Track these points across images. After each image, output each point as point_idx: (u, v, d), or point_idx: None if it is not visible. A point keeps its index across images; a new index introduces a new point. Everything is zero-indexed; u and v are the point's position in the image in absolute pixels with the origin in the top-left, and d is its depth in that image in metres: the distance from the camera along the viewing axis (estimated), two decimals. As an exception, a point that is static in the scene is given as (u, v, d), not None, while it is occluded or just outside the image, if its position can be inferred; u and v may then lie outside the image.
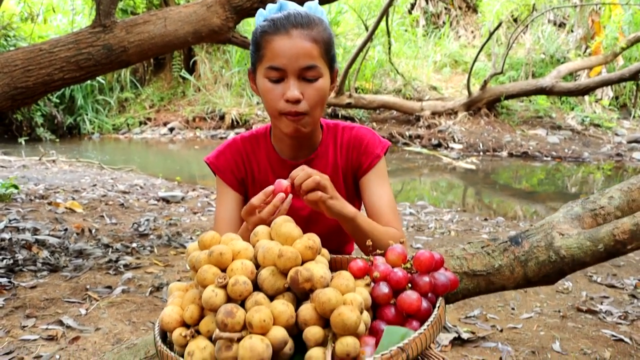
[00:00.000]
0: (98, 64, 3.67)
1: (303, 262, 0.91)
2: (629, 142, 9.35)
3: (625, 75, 9.10)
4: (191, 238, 3.68)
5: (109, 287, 2.72)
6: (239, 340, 0.79)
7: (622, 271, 3.47)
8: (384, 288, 0.92)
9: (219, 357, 0.79)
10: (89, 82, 11.14)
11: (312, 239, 0.93)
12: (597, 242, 1.24)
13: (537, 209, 5.79)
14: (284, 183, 1.16)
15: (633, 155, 8.67)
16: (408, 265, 0.98)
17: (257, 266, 0.94)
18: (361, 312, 0.85)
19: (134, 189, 5.34)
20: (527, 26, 11.27)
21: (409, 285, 0.93)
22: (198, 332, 0.88)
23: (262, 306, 0.81)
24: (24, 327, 2.26)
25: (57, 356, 2.02)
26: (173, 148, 9.97)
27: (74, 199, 4.60)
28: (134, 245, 3.39)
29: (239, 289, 0.85)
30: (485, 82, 9.84)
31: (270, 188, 1.15)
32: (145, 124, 11.60)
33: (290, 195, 1.15)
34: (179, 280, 2.85)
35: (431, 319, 0.88)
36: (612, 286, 3.19)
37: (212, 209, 4.68)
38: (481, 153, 9.31)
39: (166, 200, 4.85)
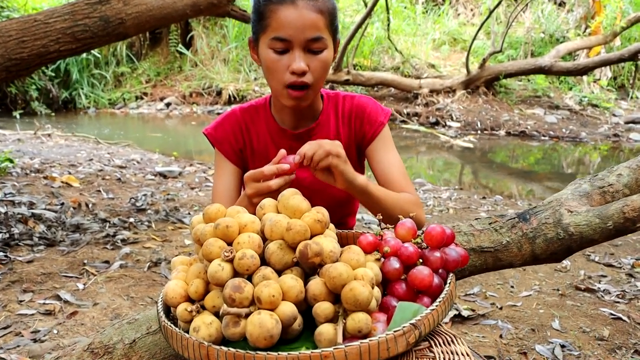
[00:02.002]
0: (95, 36, 3.60)
1: (312, 236, 0.88)
2: (626, 122, 9.33)
3: (624, 55, 9.03)
4: (189, 213, 3.66)
5: (107, 262, 2.70)
6: (247, 315, 0.77)
7: (619, 250, 3.47)
8: (394, 263, 0.89)
9: (226, 333, 0.77)
10: (84, 55, 11.00)
11: (321, 212, 0.91)
12: (607, 220, 1.22)
13: (535, 188, 5.79)
14: (293, 159, 1.13)
15: (630, 136, 8.65)
16: (418, 240, 0.96)
17: (264, 240, 0.91)
18: (372, 288, 0.82)
19: (131, 163, 5.30)
20: (527, 5, 11.13)
21: (420, 260, 0.91)
22: (203, 307, 0.86)
23: (271, 281, 0.79)
24: (21, 301, 2.24)
25: (55, 331, 2.01)
26: (169, 123, 9.88)
27: (70, 173, 4.56)
28: (132, 220, 3.36)
29: (246, 263, 0.82)
30: (484, 61, 9.75)
31: (284, 166, 1.12)
32: (142, 98, 11.49)
33: (292, 176, 1.13)
34: (177, 256, 2.84)
35: (443, 295, 0.86)
36: (610, 265, 3.19)
37: (209, 184, 4.64)
38: (479, 132, 9.27)
39: (163, 175, 4.81)
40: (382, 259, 0.92)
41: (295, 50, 1.27)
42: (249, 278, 0.85)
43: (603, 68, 10.24)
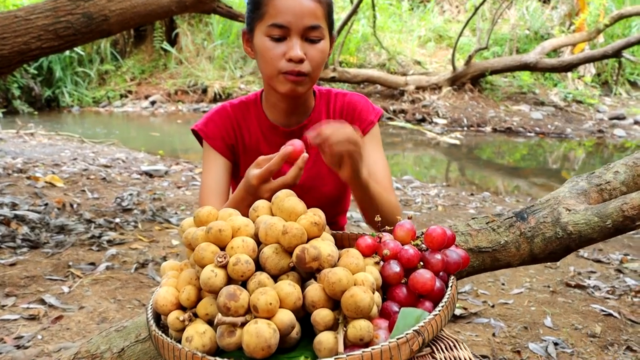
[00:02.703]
0: (78, 33, 3.53)
1: (308, 240, 0.85)
2: (610, 118, 9.40)
3: (608, 52, 9.08)
4: (176, 213, 3.60)
5: (92, 263, 2.64)
6: (242, 324, 0.73)
7: (608, 246, 3.48)
8: (395, 267, 0.86)
9: (221, 343, 0.74)
10: (67, 53, 10.84)
11: (318, 215, 0.87)
12: (605, 218, 1.20)
13: (522, 184, 5.80)
14: (299, 143, 1.07)
15: (614, 132, 8.72)
16: (418, 242, 0.93)
17: (258, 244, 0.88)
18: (373, 293, 0.79)
19: (116, 162, 5.22)
20: (512, 2, 11.17)
21: (421, 263, 0.88)
22: (195, 315, 0.82)
23: (268, 288, 0.75)
24: (4, 306, 2.18)
25: (40, 336, 1.95)
26: (155, 121, 9.77)
27: (54, 173, 4.47)
28: (117, 220, 3.30)
29: (241, 268, 0.79)
30: (470, 57, 9.77)
31: (288, 149, 1.05)
32: (126, 97, 11.35)
33: (306, 155, 1.06)
34: (164, 257, 2.79)
35: (445, 299, 0.83)
36: (599, 261, 3.20)
37: (196, 183, 4.58)
38: (465, 128, 9.28)
39: (149, 174, 4.74)
40: (381, 262, 0.89)
41: (293, 38, 1.25)
42: (243, 284, 0.81)
43: (587, 65, 10.31)
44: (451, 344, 0.88)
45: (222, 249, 0.84)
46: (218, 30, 11.65)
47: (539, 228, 1.23)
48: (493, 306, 2.49)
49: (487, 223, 1.26)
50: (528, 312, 2.45)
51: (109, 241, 2.95)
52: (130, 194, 3.90)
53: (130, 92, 11.44)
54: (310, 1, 1.24)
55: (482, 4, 9.34)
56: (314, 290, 0.78)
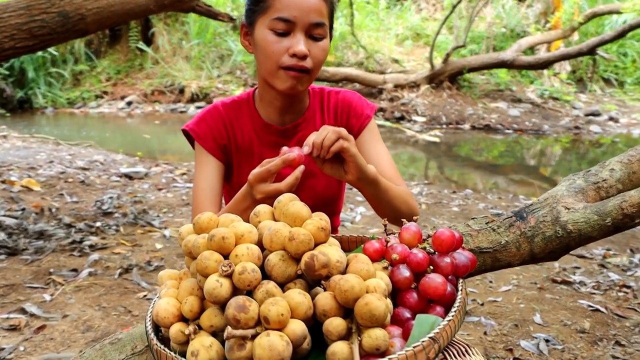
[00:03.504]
0: (53, 33, 3.45)
1: (315, 245, 0.82)
2: (586, 115, 9.54)
3: (583, 49, 9.23)
4: (158, 216, 3.53)
5: (75, 270, 2.57)
6: (253, 337, 0.70)
7: (590, 242, 3.51)
8: (404, 271, 0.83)
9: (231, 357, 0.70)
10: (40, 53, 10.59)
11: (324, 219, 0.84)
12: (605, 216, 1.19)
13: (503, 181, 5.85)
14: (299, 151, 1.06)
15: (590, 128, 8.85)
16: (425, 245, 0.91)
17: (262, 250, 0.84)
18: (386, 300, 0.76)
19: (94, 165, 5.11)
20: (488, 0, 11.27)
21: (430, 267, 0.85)
22: (199, 327, 0.78)
23: (278, 298, 0.72)
24: (-17, 316, 2.11)
25: (22, 348, 1.89)
26: (132, 122, 9.62)
27: (30, 176, 4.36)
28: (98, 224, 3.22)
29: (247, 277, 0.75)
30: (448, 55, 9.82)
31: (291, 155, 1.04)
32: (102, 97, 11.14)
33: (303, 167, 1.06)
34: (148, 262, 2.73)
35: (457, 303, 0.81)
36: (582, 257, 3.23)
37: (177, 185, 4.51)
38: (444, 126, 9.33)
39: (129, 176, 4.65)
40: (390, 267, 0.86)
41: (297, 33, 1.22)
42: (249, 293, 0.78)
43: (562, 62, 10.45)
44: (463, 349, 0.85)
45: (226, 257, 0.80)
46: (195, 29, 11.52)
47: (539, 227, 1.22)
48: (482, 304, 2.49)
49: (486, 223, 1.24)
50: (517, 310, 2.45)
51: (90, 246, 2.87)
52: (111, 197, 3.82)
53: (105, 92, 11.24)
54: None
55: (459, 2, 9.40)
56: (325, 298, 0.75)
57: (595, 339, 2.22)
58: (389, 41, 12.31)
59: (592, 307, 2.51)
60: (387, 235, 0.93)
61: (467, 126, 9.23)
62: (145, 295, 2.36)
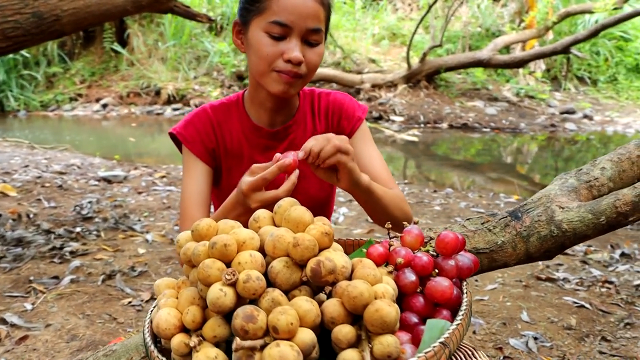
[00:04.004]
0: (27, 34, 3.37)
1: (319, 251, 0.80)
2: (561, 112, 9.70)
3: (557, 48, 9.38)
4: (139, 220, 3.47)
5: (56, 277, 2.51)
6: (262, 347, 0.67)
7: (572, 238, 3.55)
8: (410, 276, 0.82)
9: (239, 368, 0.68)
10: (11, 55, 10.36)
11: (327, 224, 0.82)
12: (599, 215, 1.20)
13: (482, 180, 5.90)
14: (293, 156, 1.04)
15: (566, 126, 8.99)
16: (428, 247, 0.89)
17: (263, 257, 0.82)
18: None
19: (71, 169, 5.00)
20: (463, 0, 11.38)
21: (436, 270, 0.84)
22: (202, 338, 0.76)
23: (287, 307, 0.70)
24: (-39, 327, 2.04)
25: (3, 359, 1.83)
26: (107, 125, 9.47)
27: (4, 181, 4.25)
28: (78, 229, 3.15)
29: (252, 286, 0.73)
30: (425, 55, 9.89)
31: (287, 161, 1.02)
32: (76, 100, 10.95)
33: (298, 172, 1.04)
34: (132, 267, 2.68)
35: (464, 307, 0.80)
36: (565, 253, 3.26)
37: (157, 188, 4.44)
38: (422, 125, 9.39)
39: (108, 180, 4.56)
40: (394, 272, 0.85)
41: (294, 38, 1.19)
42: (253, 302, 0.76)
43: (537, 61, 10.61)
44: (469, 353, 0.84)
45: (228, 264, 0.78)
46: (170, 30, 11.39)
47: (534, 227, 1.22)
48: (470, 303, 2.50)
49: (482, 224, 1.24)
50: (504, 308, 2.47)
51: (71, 252, 2.81)
52: (90, 202, 3.74)
53: (80, 95, 11.05)
54: (315, 3, 1.20)
55: (435, 2, 9.47)
56: (333, 305, 0.73)
57: (582, 335, 2.24)
58: (365, 41, 12.35)
59: (577, 303, 2.54)
60: (390, 238, 0.92)
61: (445, 125, 9.30)
62: (130, 302, 2.32)
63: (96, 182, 4.48)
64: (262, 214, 0.89)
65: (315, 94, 1.45)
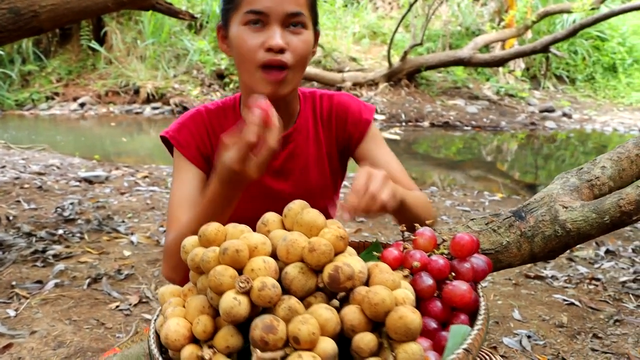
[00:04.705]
0: (4, 30, 3.28)
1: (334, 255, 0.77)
2: (541, 111, 9.81)
3: (537, 47, 9.49)
4: (123, 221, 3.40)
5: (40, 281, 2.43)
6: (282, 359, 0.64)
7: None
8: (427, 280, 0.80)
9: (259, 381, 0.65)
10: (-17, 53, 10.13)
11: (342, 227, 0.79)
12: (603, 214, 1.19)
13: (465, 178, 5.92)
14: (263, 102, 0.95)
15: (546, 124, 9.10)
16: (443, 250, 0.87)
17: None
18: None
19: (51, 169, 4.89)
20: (444, -2, 11.45)
21: (452, 274, 0.82)
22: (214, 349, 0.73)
23: (307, 316, 0.67)
24: (-59, 335, 1.96)
25: (-12, 367, 1.77)
26: (86, 124, 9.30)
27: (-19, 183, 4.14)
28: (61, 232, 3.07)
29: (268, 294, 0.70)
30: (406, 54, 9.91)
31: (257, 114, 0.94)
32: (53, 99, 10.72)
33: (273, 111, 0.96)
34: (118, 270, 2.61)
35: (482, 311, 0.78)
36: (551, 251, 3.28)
37: (140, 188, 4.37)
38: (404, 123, 9.41)
39: (89, 180, 4.46)
40: (410, 276, 0.83)
41: (273, 25, 1.13)
42: (266, 309, 0.73)
43: (517, 59, 10.71)
44: (487, 358, 0.82)
45: (239, 271, 0.74)
46: (149, 28, 11.22)
47: (539, 227, 1.21)
48: (462, 302, 2.49)
49: (486, 224, 1.23)
50: (496, 306, 2.47)
51: (54, 255, 2.73)
52: (72, 203, 3.65)
53: (57, 94, 10.82)
54: None
55: (416, 0, 9.50)
56: (353, 313, 0.70)
57: (574, 333, 2.25)
58: (346, 39, 12.33)
59: (566, 301, 2.55)
60: (404, 240, 0.89)
61: (426, 123, 9.33)
62: (117, 306, 2.26)
63: (77, 183, 4.38)
64: (271, 217, 0.86)
65: (317, 97, 1.37)
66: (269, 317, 0.66)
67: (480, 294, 0.83)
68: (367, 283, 0.77)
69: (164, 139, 1.31)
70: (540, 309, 2.46)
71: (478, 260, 0.87)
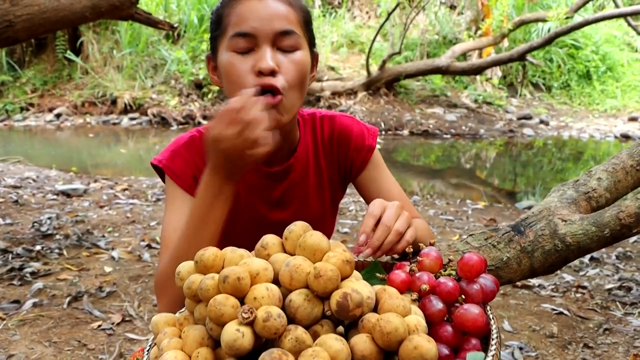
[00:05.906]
0: (-22, 41, 3.19)
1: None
2: (519, 118, 9.92)
3: (514, 55, 9.61)
4: (103, 236, 3.31)
5: (17, 301, 2.34)
6: (292, 396, 0.60)
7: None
8: (437, 304, 0.76)
9: (268, 421, 0.60)
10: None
11: (347, 250, 0.76)
12: (603, 227, 1.17)
13: (447, 186, 5.94)
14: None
15: (524, 131, 9.19)
16: (450, 271, 0.84)
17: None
18: (429, 341, 0.69)
19: (26, 182, 4.76)
20: (422, 8, 11.52)
21: (462, 296, 0.79)
22: (215, 382, 0.68)
23: (317, 348, 0.63)
24: None
25: (-36, 394, 1.68)
26: (62, 136, 9.13)
27: (-47, 198, 4.00)
28: (38, 248, 2.98)
29: (274, 325, 0.66)
30: (384, 62, 9.96)
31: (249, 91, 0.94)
32: (28, 110, 10.51)
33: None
34: (99, 288, 2.53)
35: (494, 334, 0.75)
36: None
37: (120, 201, 4.27)
38: (383, 132, 9.42)
39: (66, 194, 4.35)
40: (418, 300, 0.79)
41: (262, 46, 1.04)
42: (271, 341, 0.68)
43: (494, 68, 10.83)
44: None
45: (241, 300, 0.70)
46: (126, 38, 11.10)
47: (538, 241, 1.18)
48: (451, 314, 2.47)
49: (485, 239, 1.20)
50: (486, 317, 2.45)
51: (32, 273, 2.64)
52: (49, 217, 3.55)
53: (32, 104, 10.61)
54: (280, 4, 1.06)
55: (394, 9, 9.56)
56: (363, 342, 0.66)
57: (565, 343, 2.24)
58: (324, 49, 12.33)
59: (555, 310, 2.54)
60: (410, 263, 0.86)
61: (406, 132, 9.36)
62: (99, 326, 2.18)
63: (54, 196, 4.27)
64: (270, 240, 0.82)
65: (317, 119, 1.29)
66: (278, 351, 0.62)
67: (491, 316, 0.80)
68: (375, 309, 0.73)
69: (155, 167, 1.23)
70: (530, 319, 2.45)
71: (486, 281, 0.83)
